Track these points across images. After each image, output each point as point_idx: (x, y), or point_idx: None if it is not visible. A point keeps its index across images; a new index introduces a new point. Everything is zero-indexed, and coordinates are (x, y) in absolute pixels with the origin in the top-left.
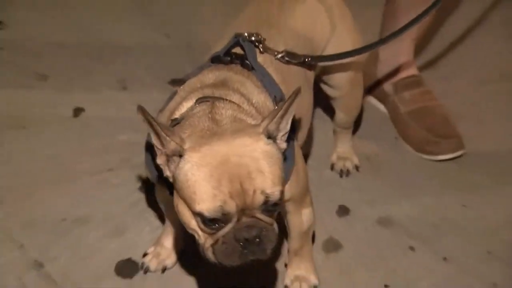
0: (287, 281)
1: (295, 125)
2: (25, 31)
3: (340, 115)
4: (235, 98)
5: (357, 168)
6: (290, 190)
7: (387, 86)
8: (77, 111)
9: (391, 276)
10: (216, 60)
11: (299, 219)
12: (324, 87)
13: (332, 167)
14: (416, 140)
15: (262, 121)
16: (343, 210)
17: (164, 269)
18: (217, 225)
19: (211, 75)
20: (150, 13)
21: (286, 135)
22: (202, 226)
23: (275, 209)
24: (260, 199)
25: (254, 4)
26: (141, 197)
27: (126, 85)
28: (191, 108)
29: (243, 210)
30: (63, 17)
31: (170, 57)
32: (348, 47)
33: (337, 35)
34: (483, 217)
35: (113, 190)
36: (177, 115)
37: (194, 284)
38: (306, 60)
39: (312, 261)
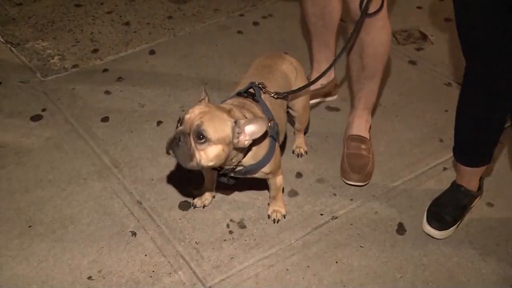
0: (269, 212)
1: (278, 133)
2: None
3: (297, 125)
4: (247, 114)
5: (306, 152)
6: (270, 167)
7: (346, 133)
8: None
9: (328, 203)
10: (239, 94)
11: (275, 181)
12: (289, 110)
13: (293, 152)
14: (342, 167)
15: (233, 113)
16: (299, 175)
17: (204, 206)
18: (179, 125)
19: (236, 101)
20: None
21: (247, 142)
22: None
23: (203, 140)
24: (197, 122)
25: (255, 66)
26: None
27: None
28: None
29: (189, 127)
30: None
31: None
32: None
33: (297, 81)
34: None
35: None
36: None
37: (219, 211)
38: (285, 95)
39: (282, 202)
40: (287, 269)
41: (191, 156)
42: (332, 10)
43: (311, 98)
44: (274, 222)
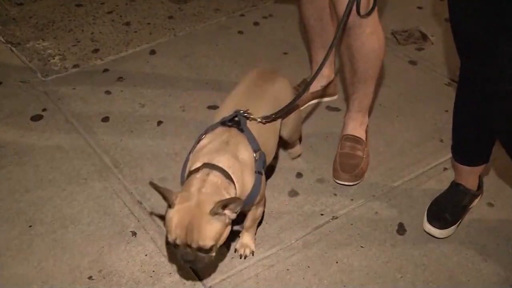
0: (237, 246)
1: (265, 164)
2: None
3: (288, 141)
4: (227, 163)
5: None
6: (255, 200)
7: (341, 133)
8: None
9: (325, 205)
10: (223, 123)
11: (255, 211)
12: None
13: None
14: (334, 166)
15: (217, 203)
16: (299, 174)
17: None
18: (174, 245)
19: (217, 139)
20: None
21: (235, 214)
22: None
23: (209, 250)
24: (194, 245)
25: (245, 84)
26: None
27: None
28: (197, 169)
29: (190, 248)
30: None
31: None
32: (294, 111)
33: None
34: None
35: None
36: (193, 168)
37: None
38: (273, 117)
39: (253, 236)
40: (288, 269)
41: (209, 260)
42: (330, 13)
43: (312, 99)
44: (240, 258)
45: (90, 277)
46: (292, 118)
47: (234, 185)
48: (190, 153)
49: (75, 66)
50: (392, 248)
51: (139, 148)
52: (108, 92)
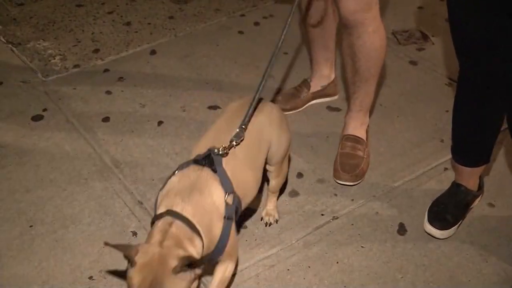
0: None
1: (238, 209)
2: None
3: (271, 183)
4: (192, 211)
5: (276, 221)
6: (221, 257)
7: (341, 133)
8: None
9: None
10: (196, 161)
11: (224, 267)
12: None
13: (262, 219)
14: (334, 166)
15: (180, 260)
16: (299, 175)
17: None
18: None
19: (186, 180)
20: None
21: (201, 269)
22: None
23: None
24: None
25: (228, 113)
26: None
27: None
28: (160, 215)
29: None
30: None
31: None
32: (283, 142)
33: (277, 136)
34: None
35: None
36: (158, 212)
37: None
38: (234, 143)
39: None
40: (288, 269)
41: None
42: (330, 12)
43: (312, 99)
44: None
45: (90, 277)
46: (281, 152)
47: (200, 236)
48: (160, 190)
49: (75, 66)
50: (393, 248)
51: (139, 148)
52: (108, 92)
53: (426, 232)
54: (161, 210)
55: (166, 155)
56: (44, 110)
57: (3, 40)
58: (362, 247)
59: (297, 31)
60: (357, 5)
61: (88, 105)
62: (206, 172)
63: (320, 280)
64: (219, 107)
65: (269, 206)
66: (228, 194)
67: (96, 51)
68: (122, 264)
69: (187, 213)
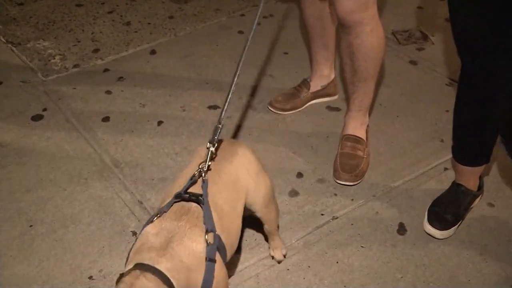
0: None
1: (222, 250)
2: None
3: (265, 226)
4: (167, 265)
5: (284, 256)
6: None
7: (341, 133)
8: None
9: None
10: (179, 196)
11: None
12: (250, 210)
13: (272, 257)
14: (334, 166)
15: None
16: (299, 174)
17: None
18: None
19: (164, 233)
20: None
21: None
22: None
23: None
24: None
25: (198, 159)
26: None
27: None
28: (127, 272)
29: None
30: None
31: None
32: (261, 188)
33: (254, 182)
34: None
35: None
36: (125, 269)
37: None
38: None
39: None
40: (288, 269)
41: None
42: (330, 12)
43: (312, 99)
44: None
45: (90, 277)
46: (261, 196)
47: None
48: (132, 245)
49: (75, 66)
50: (393, 248)
51: (139, 148)
52: (108, 92)
53: (426, 232)
54: (129, 267)
55: (166, 155)
56: (44, 110)
57: (3, 39)
58: (362, 247)
59: (296, 31)
60: (354, 5)
61: (88, 104)
62: (193, 207)
63: (320, 280)
64: (218, 107)
65: (274, 242)
66: (208, 232)
67: (96, 51)
68: (122, 264)
69: (161, 267)
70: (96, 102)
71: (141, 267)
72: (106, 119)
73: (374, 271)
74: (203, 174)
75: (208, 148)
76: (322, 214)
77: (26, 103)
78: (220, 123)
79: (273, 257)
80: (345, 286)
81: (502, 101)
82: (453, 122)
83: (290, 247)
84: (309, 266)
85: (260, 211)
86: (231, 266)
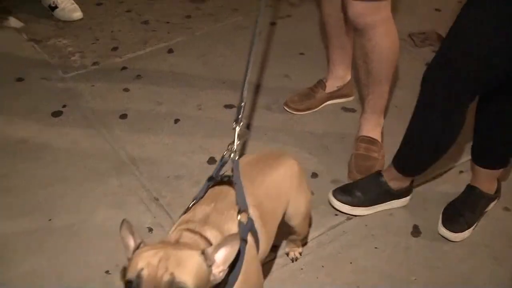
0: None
1: (256, 233)
2: None
3: (293, 236)
4: (208, 233)
5: (300, 254)
6: (237, 276)
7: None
8: None
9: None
10: (211, 179)
11: None
12: (286, 220)
13: (287, 254)
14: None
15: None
16: (314, 175)
17: None
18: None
19: (200, 212)
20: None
21: (223, 273)
22: None
23: None
24: (166, 277)
25: (245, 164)
26: None
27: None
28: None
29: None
30: None
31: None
32: (302, 202)
33: (295, 194)
34: None
35: None
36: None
37: None
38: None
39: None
40: (301, 269)
41: None
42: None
43: (328, 99)
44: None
45: (107, 271)
46: (301, 210)
47: None
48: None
49: (94, 63)
50: (406, 250)
51: (156, 146)
52: (126, 90)
53: (440, 234)
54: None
55: (182, 153)
56: (64, 106)
57: (25, 37)
58: (375, 248)
59: (313, 32)
60: (364, 8)
61: (106, 102)
62: (226, 187)
63: (333, 280)
64: (234, 106)
65: (295, 244)
66: (240, 212)
67: (115, 49)
68: None
69: (205, 234)
70: (114, 100)
71: (186, 230)
72: (123, 116)
73: (387, 272)
74: (231, 155)
75: (234, 128)
76: (336, 215)
77: (46, 99)
78: (242, 102)
79: (287, 254)
80: (358, 287)
81: None
82: (474, 124)
83: (304, 247)
84: (322, 266)
85: (295, 224)
86: None
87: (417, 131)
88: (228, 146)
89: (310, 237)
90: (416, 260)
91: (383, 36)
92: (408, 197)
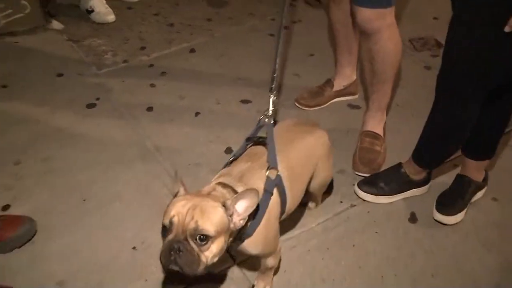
0: None
1: (283, 190)
2: None
3: (314, 192)
4: (240, 189)
5: (316, 205)
6: (256, 249)
7: (361, 129)
8: None
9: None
10: (249, 140)
11: (265, 261)
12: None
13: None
14: (354, 159)
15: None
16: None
17: None
18: (166, 234)
19: (237, 168)
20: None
21: (243, 220)
22: (161, 235)
23: (204, 241)
24: (192, 225)
25: (278, 130)
26: None
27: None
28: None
29: (182, 232)
30: None
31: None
32: (326, 170)
33: (323, 160)
34: None
35: None
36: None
37: None
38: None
39: (271, 279)
40: (308, 250)
41: (198, 262)
42: (352, 19)
43: (335, 97)
44: None
45: (134, 247)
46: (321, 176)
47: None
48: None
49: (124, 61)
50: (405, 235)
51: (178, 136)
52: (152, 85)
53: (435, 219)
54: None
55: (201, 143)
56: (97, 99)
57: (65, 37)
58: (376, 233)
59: (322, 36)
60: (372, 15)
61: (134, 96)
62: (258, 153)
63: (337, 261)
64: (250, 101)
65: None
66: (270, 169)
67: (143, 48)
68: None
69: (237, 187)
70: (141, 94)
71: (219, 184)
72: (149, 109)
73: (387, 255)
74: (266, 119)
75: (269, 96)
76: (341, 202)
77: (82, 93)
78: (274, 73)
79: (306, 204)
80: (360, 267)
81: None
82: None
83: (311, 231)
84: (327, 248)
85: (315, 189)
86: None
87: (439, 125)
88: (264, 111)
89: (316, 222)
90: (413, 244)
91: (388, 39)
92: (427, 185)
